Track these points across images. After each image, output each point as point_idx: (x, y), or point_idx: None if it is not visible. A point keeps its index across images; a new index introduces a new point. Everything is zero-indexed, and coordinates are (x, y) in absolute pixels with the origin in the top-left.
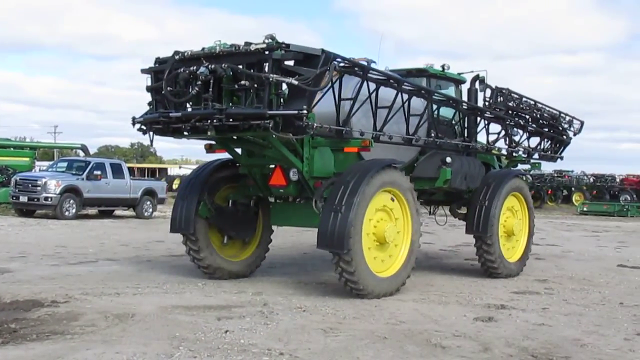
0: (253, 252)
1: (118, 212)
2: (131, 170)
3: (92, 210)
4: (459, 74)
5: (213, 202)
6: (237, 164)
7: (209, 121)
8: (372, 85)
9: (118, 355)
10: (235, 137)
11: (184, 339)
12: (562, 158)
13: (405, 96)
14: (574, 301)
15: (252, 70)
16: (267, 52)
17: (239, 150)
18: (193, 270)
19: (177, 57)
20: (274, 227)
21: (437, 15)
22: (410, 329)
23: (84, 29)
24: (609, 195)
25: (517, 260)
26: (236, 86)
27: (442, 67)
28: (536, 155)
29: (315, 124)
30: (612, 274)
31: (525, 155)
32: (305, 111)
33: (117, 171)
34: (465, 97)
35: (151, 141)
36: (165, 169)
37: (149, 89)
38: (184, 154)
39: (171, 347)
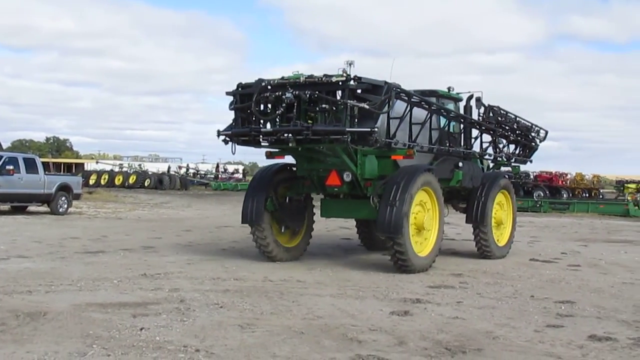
0: (302, 239)
1: (32, 208)
2: (46, 165)
3: (4, 207)
4: (458, 93)
5: (277, 198)
6: (293, 168)
7: (290, 135)
8: (406, 106)
9: (29, 355)
10: (294, 146)
11: (98, 337)
12: (531, 161)
13: (426, 113)
14: (487, 295)
15: (328, 96)
16: (344, 83)
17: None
18: (108, 268)
19: (263, 83)
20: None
21: (361, 13)
22: (327, 323)
23: None
24: (522, 191)
25: (504, 244)
26: (317, 108)
27: (448, 89)
28: (513, 160)
29: (380, 138)
30: (524, 268)
31: (506, 160)
32: (376, 129)
33: (30, 166)
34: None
35: (233, 150)
36: (82, 164)
37: (236, 108)
38: (101, 149)
39: (84, 345)
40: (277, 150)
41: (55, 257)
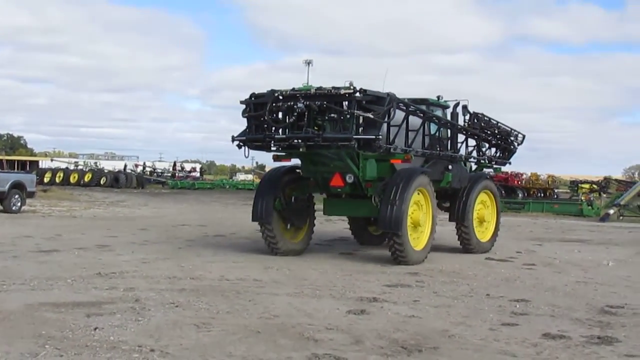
0: (305, 235)
1: None
2: None
3: None
4: (445, 101)
5: (284, 198)
6: (298, 170)
7: (301, 141)
8: (403, 114)
9: None
10: (304, 151)
11: (51, 337)
12: (510, 163)
13: (419, 121)
14: (444, 293)
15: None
16: (351, 95)
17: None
18: (62, 267)
19: (276, 94)
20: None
21: (320, 11)
22: (283, 322)
23: None
24: None
25: (488, 239)
26: (326, 117)
27: (437, 97)
28: (494, 162)
29: (383, 145)
30: (480, 267)
31: (488, 162)
32: (380, 136)
33: None
34: (449, 119)
35: (246, 154)
36: (37, 162)
37: (250, 116)
38: (57, 147)
39: (36, 345)
40: (284, 153)
41: (7, 256)
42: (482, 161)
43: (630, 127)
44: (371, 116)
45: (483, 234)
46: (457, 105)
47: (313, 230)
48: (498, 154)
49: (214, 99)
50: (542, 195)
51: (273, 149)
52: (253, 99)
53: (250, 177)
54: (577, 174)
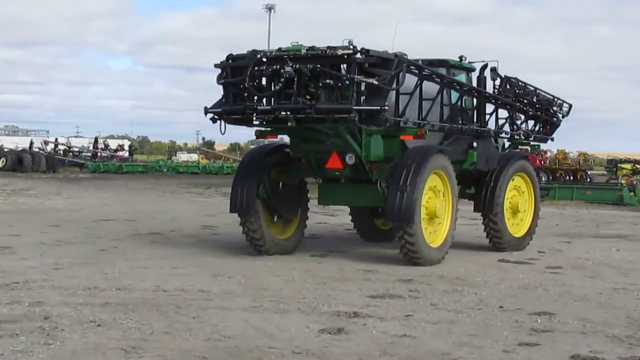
0: (296, 229)
1: None
2: None
3: None
4: (470, 63)
5: (269, 183)
6: (286, 149)
7: (290, 113)
8: (414, 79)
9: None
10: (293, 126)
11: None
12: (552, 139)
13: (437, 87)
14: (445, 306)
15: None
16: (351, 56)
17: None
18: None
19: (259, 55)
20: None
21: None
22: (237, 345)
23: None
24: None
25: (523, 234)
26: (320, 84)
27: (460, 58)
28: (532, 137)
29: (390, 117)
30: (491, 271)
31: (525, 138)
32: (386, 107)
33: None
34: (474, 85)
35: (222, 129)
36: None
37: (226, 83)
38: None
39: None
40: (269, 129)
41: None
42: (517, 137)
43: None
44: (375, 82)
45: (517, 227)
46: (484, 67)
47: (306, 224)
48: (537, 128)
49: (148, 55)
50: (572, 178)
51: (255, 123)
52: (230, 61)
53: (194, 157)
54: (617, 151)
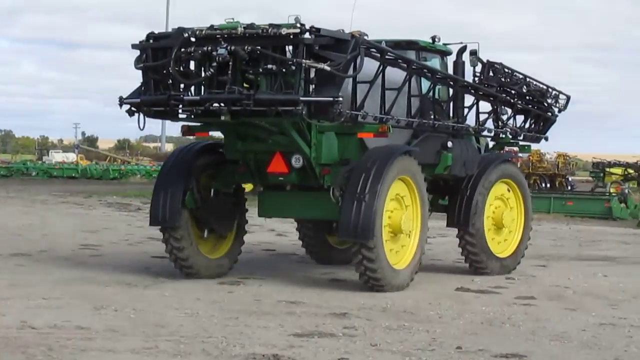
0: (230, 246)
1: None
2: None
3: None
4: (445, 44)
5: (199, 190)
6: (220, 149)
7: (224, 105)
8: (375, 65)
9: None
10: (228, 120)
11: None
12: (546, 138)
13: (403, 75)
14: (388, 346)
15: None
16: (297, 36)
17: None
18: None
19: (186, 34)
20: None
21: None
22: None
23: None
24: None
25: (509, 255)
26: (260, 70)
27: (432, 38)
28: (522, 136)
29: (345, 110)
30: (447, 303)
31: (512, 136)
32: (340, 98)
33: None
34: (450, 71)
35: (141, 124)
36: None
37: (147, 67)
38: None
39: None
40: (199, 124)
41: None
42: (503, 135)
43: None
44: (327, 68)
45: (502, 245)
46: (462, 50)
47: (243, 241)
48: (528, 125)
49: (13, 27)
50: (548, 185)
51: (182, 116)
52: (151, 41)
53: (72, 157)
54: (605, 152)
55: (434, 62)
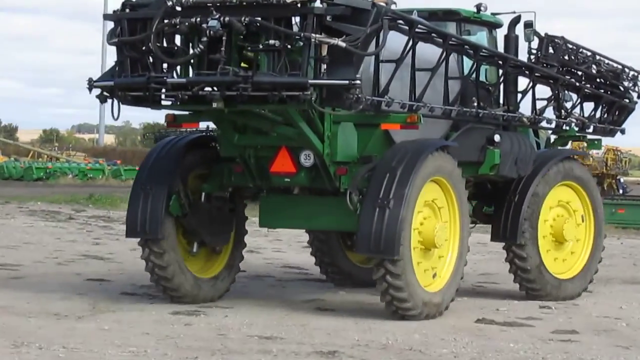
0: (226, 264)
1: None
2: None
3: None
4: (494, 14)
5: (188, 194)
6: (213, 144)
7: (216, 89)
8: (404, 40)
9: None
10: (221, 108)
11: None
12: (623, 131)
13: (439, 53)
14: None
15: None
16: (306, 5)
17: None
18: None
19: (170, 2)
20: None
21: None
22: None
23: None
24: None
25: (574, 275)
26: (261, 46)
27: (477, 7)
28: (591, 128)
29: (366, 97)
30: (465, 339)
31: (579, 128)
32: (357, 81)
33: None
34: (501, 47)
35: (115, 112)
36: None
37: (122, 43)
38: None
39: None
40: (186, 113)
41: None
42: (567, 127)
43: None
44: (342, 44)
45: (564, 264)
46: (516, 21)
47: (242, 256)
48: (599, 114)
49: None
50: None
51: (166, 103)
52: (128, 10)
53: None
54: None
55: (480, 37)
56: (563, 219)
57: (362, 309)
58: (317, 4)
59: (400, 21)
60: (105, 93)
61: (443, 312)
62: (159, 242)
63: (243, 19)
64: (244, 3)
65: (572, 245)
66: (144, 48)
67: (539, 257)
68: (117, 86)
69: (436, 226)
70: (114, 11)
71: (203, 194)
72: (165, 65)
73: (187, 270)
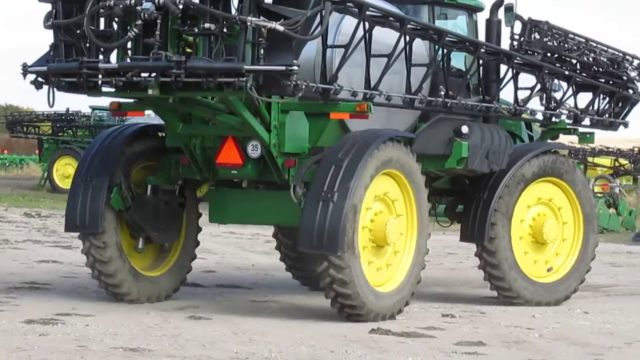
0: (176, 262)
1: None
2: None
3: None
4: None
5: (130, 187)
6: (160, 133)
7: (151, 75)
8: (364, 25)
9: None
10: (157, 95)
11: None
12: (626, 124)
13: (406, 39)
14: None
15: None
16: None
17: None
18: None
19: None
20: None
21: None
22: None
23: None
24: None
25: (559, 279)
26: (195, 30)
27: None
28: (587, 120)
29: (305, 83)
30: (358, 351)
31: (571, 121)
32: (295, 67)
33: None
34: (482, 32)
35: (50, 99)
36: None
37: (53, 25)
38: None
39: None
40: (129, 100)
41: None
42: (555, 118)
43: None
44: (280, 28)
45: (545, 266)
46: (498, 5)
47: (194, 254)
48: (597, 105)
49: None
50: None
51: (107, 90)
52: None
53: None
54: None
55: (460, 21)
56: (543, 218)
57: (242, 317)
58: None
59: (350, 4)
60: (39, 79)
61: (396, 314)
62: (100, 237)
63: (179, 0)
64: None
65: (558, 245)
66: (78, 32)
67: (511, 259)
68: (50, 71)
69: (388, 222)
70: None
71: (149, 187)
72: (102, 50)
73: (132, 266)
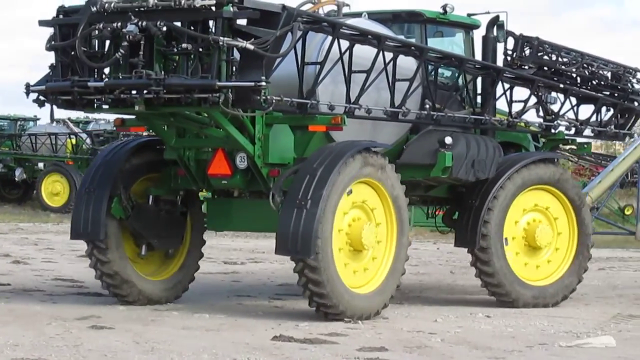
0: (179, 268)
1: None
2: None
3: None
4: (470, 15)
5: (130, 197)
6: (160, 147)
7: (138, 93)
8: (345, 43)
9: None
10: (142, 111)
11: None
12: (631, 135)
13: (390, 55)
14: None
15: (195, 31)
16: (215, 9)
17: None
18: None
19: (94, 8)
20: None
21: None
22: None
23: None
24: None
25: (551, 283)
26: (175, 50)
27: (443, 7)
28: (589, 131)
29: (275, 98)
30: (261, 358)
31: (572, 132)
32: (263, 83)
33: None
34: (479, 48)
35: (52, 117)
36: None
37: (51, 47)
38: None
39: None
40: (131, 117)
41: None
42: (554, 129)
43: None
44: (249, 46)
45: (540, 271)
46: (493, 22)
47: (202, 253)
48: (600, 118)
49: None
50: None
51: (105, 107)
52: (62, 16)
53: None
54: None
55: (457, 38)
56: (535, 224)
57: (144, 326)
58: (228, 7)
59: (325, 23)
60: (41, 97)
61: (372, 316)
62: (102, 243)
63: (159, 23)
64: (159, 8)
65: (551, 253)
66: (72, 53)
67: (504, 263)
68: (47, 90)
69: (364, 228)
70: (51, 18)
71: (151, 197)
72: (96, 70)
73: (134, 270)
